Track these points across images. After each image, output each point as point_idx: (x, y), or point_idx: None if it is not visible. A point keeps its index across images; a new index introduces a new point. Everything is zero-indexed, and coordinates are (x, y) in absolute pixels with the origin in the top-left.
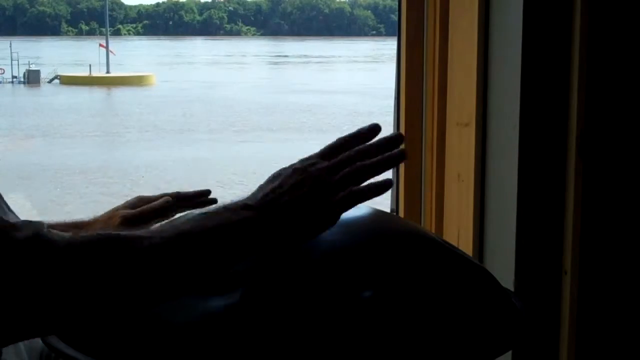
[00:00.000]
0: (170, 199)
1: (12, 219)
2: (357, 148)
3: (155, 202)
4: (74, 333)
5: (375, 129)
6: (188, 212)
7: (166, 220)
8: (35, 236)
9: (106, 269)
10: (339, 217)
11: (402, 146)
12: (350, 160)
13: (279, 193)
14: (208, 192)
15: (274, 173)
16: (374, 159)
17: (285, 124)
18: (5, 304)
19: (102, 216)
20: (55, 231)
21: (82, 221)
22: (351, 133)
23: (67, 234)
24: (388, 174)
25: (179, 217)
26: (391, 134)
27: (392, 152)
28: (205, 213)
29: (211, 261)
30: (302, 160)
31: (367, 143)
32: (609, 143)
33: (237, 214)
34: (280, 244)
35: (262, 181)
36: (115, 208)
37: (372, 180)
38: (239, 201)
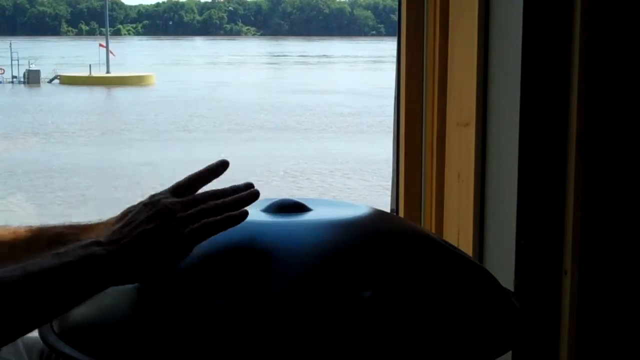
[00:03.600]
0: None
1: None
2: (211, 190)
3: None
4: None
5: (224, 163)
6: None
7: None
8: None
9: None
10: (192, 249)
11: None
12: (203, 199)
13: (129, 228)
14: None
15: (124, 211)
16: (227, 199)
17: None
18: None
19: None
20: None
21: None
22: (199, 170)
23: None
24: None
25: (37, 258)
26: (242, 184)
27: (243, 193)
28: (57, 252)
29: (60, 297)
30: (151, 197)
31: (221, 189)
32: (609, 143)
33: (86, 250)
34: (133, 276)
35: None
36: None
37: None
38: (93, 239)
